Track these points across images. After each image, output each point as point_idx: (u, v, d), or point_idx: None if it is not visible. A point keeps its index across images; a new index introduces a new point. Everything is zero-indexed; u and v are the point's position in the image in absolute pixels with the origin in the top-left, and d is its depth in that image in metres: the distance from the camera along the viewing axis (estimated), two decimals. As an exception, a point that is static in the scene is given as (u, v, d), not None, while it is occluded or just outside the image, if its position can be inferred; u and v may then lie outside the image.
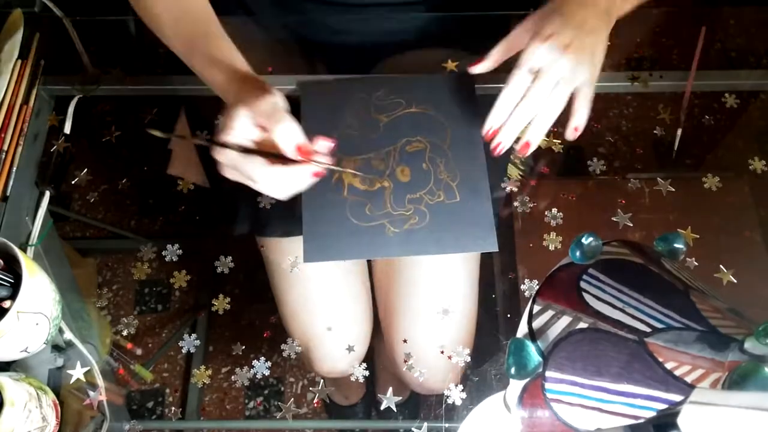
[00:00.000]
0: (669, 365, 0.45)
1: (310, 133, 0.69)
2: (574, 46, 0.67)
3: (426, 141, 0.81)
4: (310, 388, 0.79)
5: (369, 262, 0.93)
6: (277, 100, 0.64)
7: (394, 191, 0.79)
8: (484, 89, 0.85)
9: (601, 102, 0.76)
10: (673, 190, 0.81)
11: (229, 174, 0.65)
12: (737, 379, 0.42)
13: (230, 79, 0.69)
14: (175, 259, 0.79)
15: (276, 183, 0.64)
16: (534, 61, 0.68)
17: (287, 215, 0.79)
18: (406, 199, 0.78)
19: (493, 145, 0.70)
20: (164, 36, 0.75)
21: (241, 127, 0.63)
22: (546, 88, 0.68)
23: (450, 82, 0.85)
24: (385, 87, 0.84)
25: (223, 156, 0.63)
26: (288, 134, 0.62)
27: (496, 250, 0.75)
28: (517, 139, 0.71)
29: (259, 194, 0.82)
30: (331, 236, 0.76)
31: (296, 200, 0.77)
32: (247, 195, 0.84)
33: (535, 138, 0.70)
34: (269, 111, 0.63)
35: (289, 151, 0.63)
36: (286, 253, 0.83)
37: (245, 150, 0.63)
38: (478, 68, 0.76)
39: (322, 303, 0.86)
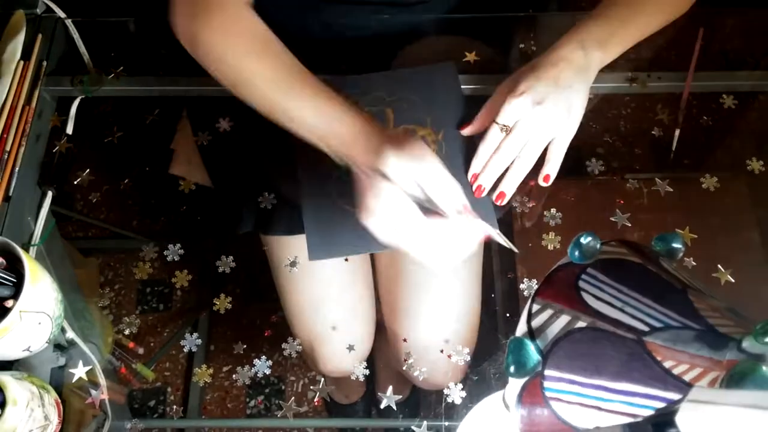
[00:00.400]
0: (667, 364, 0.45)
1: None
2: (548, 101, 0.72)
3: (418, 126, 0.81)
4: (311, 387, 0.79)
5: (372, 260, 0.94)
6: (434, 157, 0.63)
7: None
8: (474, 90, 0.86)
9: (599, 103, 0.77)
10: (672, 190, 0.82)
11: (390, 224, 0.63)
12: (735, 378, 0.42)
13: (365, 121, 0.66)
14: (176, 258, 0.80)
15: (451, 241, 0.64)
16: (507, 117, 0.73)
17: (291, 213, 0.79)
18: None
19: (474, 188, 0.76)
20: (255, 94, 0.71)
21: (407, 182, 0.62)
22: (516, 142, 0.73)
23: (432, 73, 0.85)
24: (365, 83, 0.84)
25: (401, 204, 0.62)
26: (453, 196, 0.63)
27: (496, 228, 0.75)
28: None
29: (261, 193, 0.83)
30: (334, 233, 0.75)
31: (299, 198, 0.78)
32: (249, 194, 0.84)
33: (509, 188, 0.75)
34: (433, 170, 0.63)
35: (453, 213, 0.63)
36: (290, 252, 0.83)
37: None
38: (467, 131, 0.80)
39: (327, 302, 0.87)
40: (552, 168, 0.75)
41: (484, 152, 0.75)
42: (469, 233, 0.64)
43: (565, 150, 0.75)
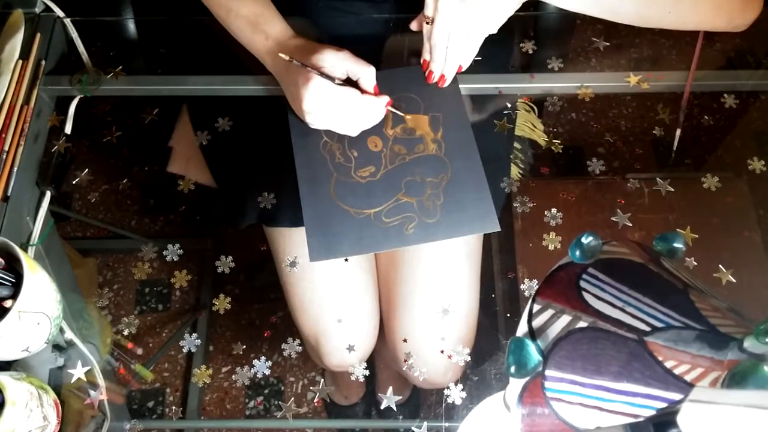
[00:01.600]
0: (668, 364, 0.45)
1: (297, 128, 0.81)
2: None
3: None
4: (311, 388, 0.79)
5: (375, 256, 0.93)
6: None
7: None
8: (473, 89, 0.86)
9: (600, 102, 0.76)
10: (673, 190, 0.82)
11: (317, 107, 0.75)
12: (736, 378, 0.42)
13: (290, 36, 0.81)
14: (175, 258, 0.80)
15: (367, 110, 0.77)
16: (429, 8, 0.76)
17: (294, 205, 0.80)
18: (402, 184, 0.78)
19: (426, 74, 0.82)
20: None
21: (330, 65, 0.75)
22: (438, 33, 0.77)
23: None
24: None
25: (319, 86, 0.74)
26: (372, 75, 0.78)
27: (499, 229, 0.76)
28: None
29: (264, 186, 0.83)
30: (334, 233, 0.76)
31: (299, 198, 0.78)
32: (252, 187, 0.85)
33: (449, 73, 0.82)
34: (353, 57, 0.77)
35: (370, 89, 0.78)
36: (294, 244, 0.83)
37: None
38: (412, 24, 0.84)
39: (332, 296, 0.87)
40: (464, 59, 0.81)
41: (425, 42, 0.80)
42: (382, 102, 0.79)
43: (478, 45, 0.79)
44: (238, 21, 0.81)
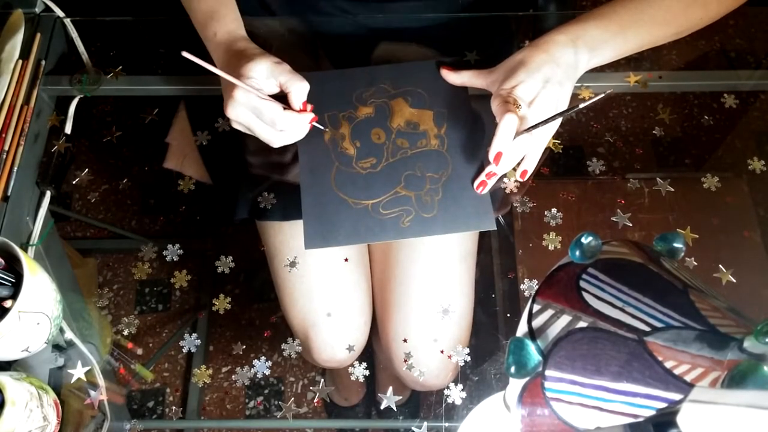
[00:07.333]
0: (668, 364, 0.45)
1: None
2: (537, 101, 0.71)
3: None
4: (311, 388, 0.79)
5: (369, 254, 0.94)
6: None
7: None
8: (475, 89, 0.85)
9: (600, 102, 0.76)
10: (673, 190, 0.82)
11: (239, 116, 0.72)
12: (736, 378, 0.42)
13: (238, 38, 0.78)
14: (175, 258, 0.80)
15: (288, 127, 0.73)
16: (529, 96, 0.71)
17: (286, 199, 0.80)
18: (402, 177, 0.79)
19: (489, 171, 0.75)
20: None
21: (262, 77, 0.73)
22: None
23: (437, 66, 0.85)
24: (371, 75, 0.85)
25: (243, 97, 0.71)
26: (303, 91, 0.74)
27: (494, 228, 0.76)
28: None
29: (258, 182, 0.83)
30: (331, 222, 0.76)
31: (295, 185, 0.78)
32: (246, 182, 0.84)
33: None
34: (290, 71, 0.74)
35: (298, 105, 0.74)
36: (286, 238, 0.83)
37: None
38: (446, 73, 0.82)
39: (322, 289, 0.87)
40: (530, 165, 0.75)
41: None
42: (305, 119, 0.76)
43: (544, 146, 0.75)
44: (195, 15, 0.80)
